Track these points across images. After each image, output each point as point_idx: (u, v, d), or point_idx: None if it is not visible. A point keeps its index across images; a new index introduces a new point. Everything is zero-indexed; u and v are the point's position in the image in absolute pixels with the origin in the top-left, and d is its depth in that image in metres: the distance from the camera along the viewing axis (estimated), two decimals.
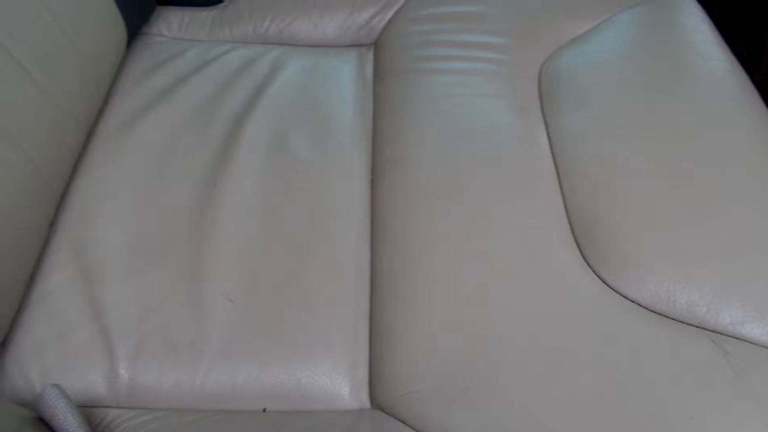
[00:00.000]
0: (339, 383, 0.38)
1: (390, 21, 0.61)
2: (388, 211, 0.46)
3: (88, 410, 0.36)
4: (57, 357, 0.38)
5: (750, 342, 0.36)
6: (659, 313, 0.38)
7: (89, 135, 0.50)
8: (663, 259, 0.39)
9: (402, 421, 0.35)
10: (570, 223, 0.44)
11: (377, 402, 0.37)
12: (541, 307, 0.38)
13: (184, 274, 0.42)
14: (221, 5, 0.64)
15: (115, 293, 0.40)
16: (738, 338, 0.36)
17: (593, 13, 0.57)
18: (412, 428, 0.35)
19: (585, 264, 0.41)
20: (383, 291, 0.41)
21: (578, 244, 0.42)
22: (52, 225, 0.44)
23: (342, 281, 0.42)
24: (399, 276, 0.42)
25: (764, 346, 0.36)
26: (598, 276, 0.40)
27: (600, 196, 0.44)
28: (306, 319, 0.40)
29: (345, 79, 0.57)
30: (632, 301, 0.38)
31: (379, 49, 0.60)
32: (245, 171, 0.48)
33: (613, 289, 0.39)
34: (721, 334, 0.36)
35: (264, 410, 0.37)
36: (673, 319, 0.37)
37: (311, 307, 0.40)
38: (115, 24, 0.54)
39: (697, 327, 0.37)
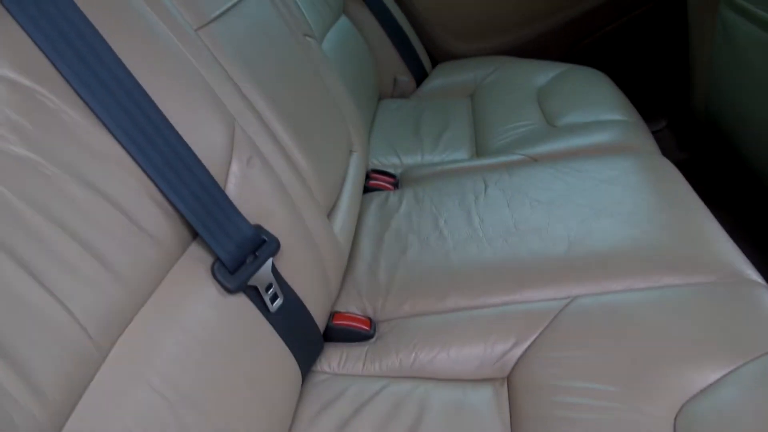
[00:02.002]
0: None
1: (520, 359, 0.69)
2: None
3: None
4: None
5: None
6: None
7: None
8: None
9: None
10: None
11: None
12: None
13: None
14: (371, 341, 0.76)
15: None
16: None
17: (718, 362, 0.61)
18: None
19: None
20: None
21: None
22: None
23: None
24: None
25: None
26: None
27: None
28: None
29: (485, 419, 0.64)
30: None
31: (511, 386, 0.67)
32: None
33: None
34: None
35: None
36: None
37: None
38: (293, 371, 0.66)
39: None
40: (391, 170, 1.16)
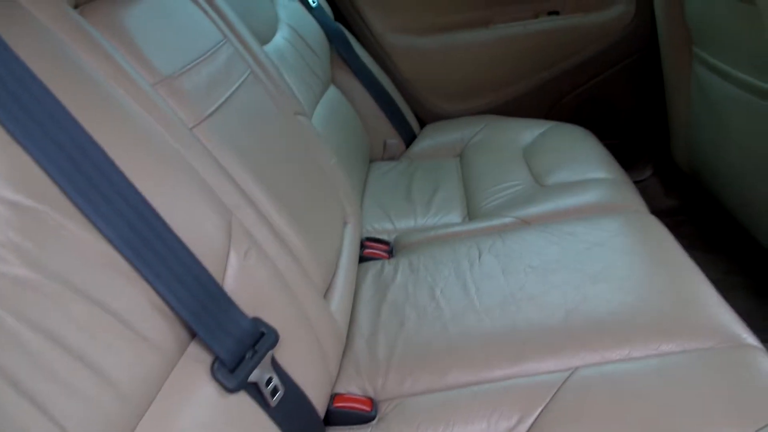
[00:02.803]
0: None
1: None
2: None
3: None
4: None
5: None
6: None
7: None
8: None
9: None
10: None
11: None
12: None
13: None
14: (373, 422, 0.74)
15: None
16: None
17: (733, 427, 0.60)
18: None
19: None
20: None
21: None
22: None
23: None
24: None
25: None
26: None
27: None
28: None
29: None
30: None
31: None
32: None
33: None
34: None
35: None
36: None
37: None
38: None
39: None
40: (384, 236, 1.17)
